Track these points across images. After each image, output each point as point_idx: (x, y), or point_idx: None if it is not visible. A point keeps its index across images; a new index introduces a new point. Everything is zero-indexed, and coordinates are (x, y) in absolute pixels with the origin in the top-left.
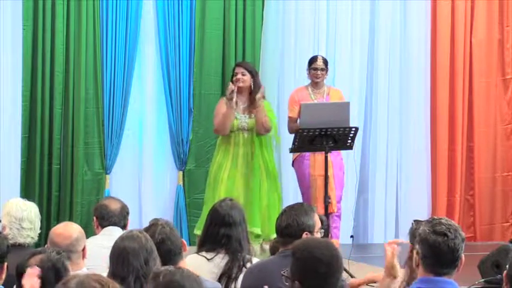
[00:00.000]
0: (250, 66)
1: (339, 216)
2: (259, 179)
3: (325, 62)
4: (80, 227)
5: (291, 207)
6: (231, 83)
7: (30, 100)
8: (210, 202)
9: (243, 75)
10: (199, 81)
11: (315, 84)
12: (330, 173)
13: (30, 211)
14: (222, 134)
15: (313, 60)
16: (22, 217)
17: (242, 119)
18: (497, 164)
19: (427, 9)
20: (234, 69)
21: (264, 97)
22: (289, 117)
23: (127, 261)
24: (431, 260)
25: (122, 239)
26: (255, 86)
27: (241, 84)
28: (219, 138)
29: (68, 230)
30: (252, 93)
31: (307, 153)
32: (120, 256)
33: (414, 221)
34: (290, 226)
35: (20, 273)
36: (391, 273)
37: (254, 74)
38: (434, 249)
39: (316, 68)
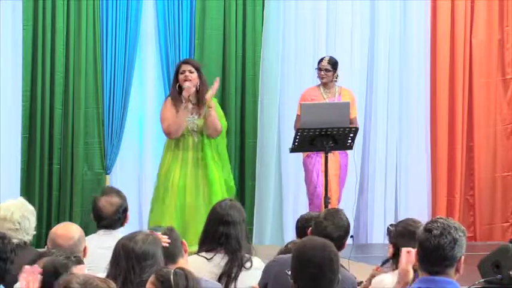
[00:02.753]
0: (196, 62)
1: None
2: (211, 185)
3: (332, 63)
4: (79, 227)
5: (333, 215)
6: (187, 82)
7: (30, 100)
8: (161, 205)
9: (191, 72)
10: None
11: (324, 84)
12: (338, 173)
13: (12, 213)
14: (174, 137)
15: (319, 60)
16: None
17: (191, 120)
18: (497, 164)
19: (427, 9)
20: (179, 67)
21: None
22: (298, 115)
23: (117, 262)
24: (422, 258)
25: (122, 238)
26: (201, 83)
27: (188, 85)
28: (167, 141)
29: (69, 230)
30: (200, 92)
31: (320, 152)
32: (113, 255)
33: (390, 225)
34: (341, 237)
35: None
36: (404, 279)
37: (200, 71)
38: (422, 246)
39: (320, 68)
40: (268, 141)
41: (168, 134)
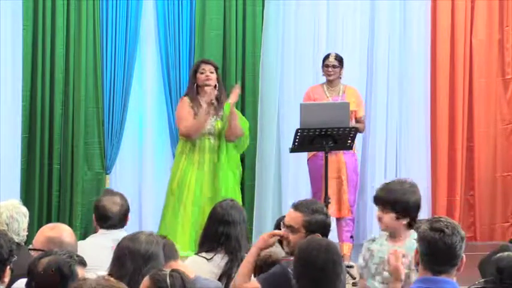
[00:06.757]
0: (215, 62)
1: (352, 220)
2: (226, 187)
3: (339, 59)
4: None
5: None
6: (209, 87)
7: (30, 100)
8: (175, 211)
9: (211, 72)
10: None
11: (330, 82)
12: (344, 176)
13: (0, 214)
14: (192, 138)
15: (326, 57)
16: None
17: (209, 122)
18: (497, 164)
19: (427, 9)
20: (198, 66)
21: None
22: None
23: (122, 263)
24: (429, 258)
25: (125, 239)
26: (219, 84)
27: (210, 90)
28: (180, 144)
29: (67, 228)
30: (218, 93)
31: (321, 153)
32: (117, 255)
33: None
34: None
35: (30, 274)
36: (397, 276)
37: (218, 71)
38: (432, 246)
39: (327, 64)
40: (268, 141)
41: (187, 135)
